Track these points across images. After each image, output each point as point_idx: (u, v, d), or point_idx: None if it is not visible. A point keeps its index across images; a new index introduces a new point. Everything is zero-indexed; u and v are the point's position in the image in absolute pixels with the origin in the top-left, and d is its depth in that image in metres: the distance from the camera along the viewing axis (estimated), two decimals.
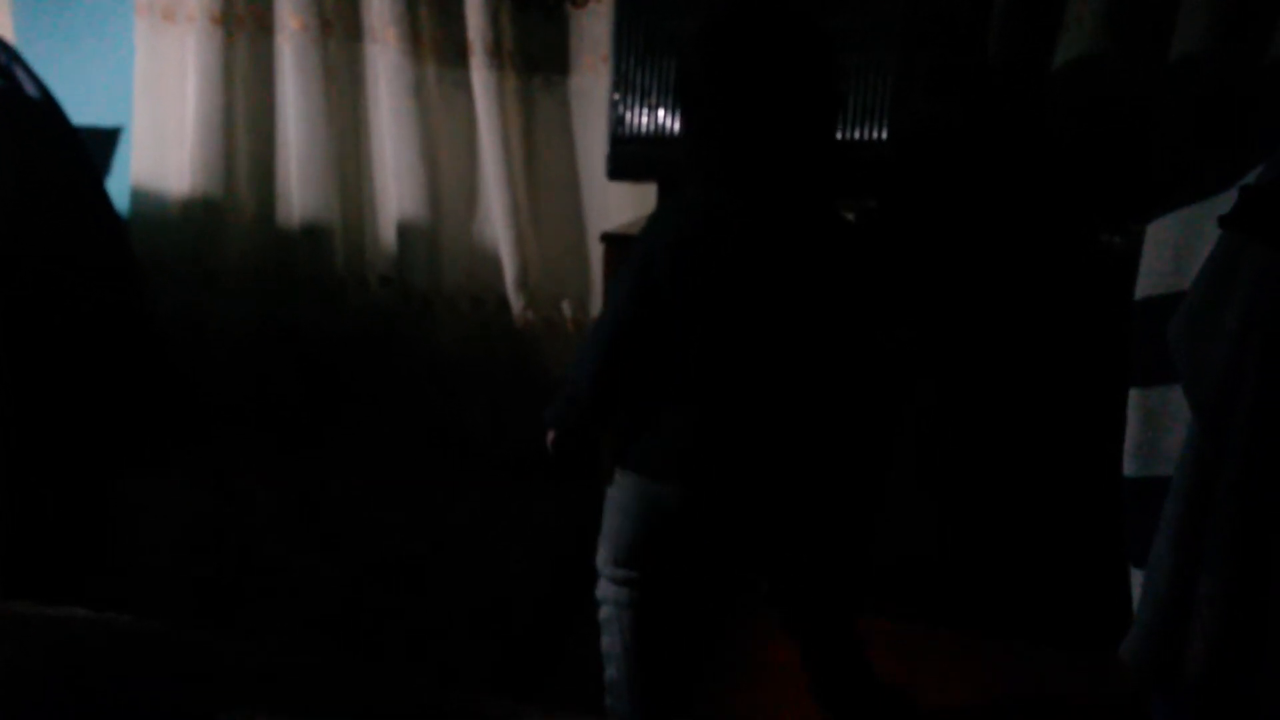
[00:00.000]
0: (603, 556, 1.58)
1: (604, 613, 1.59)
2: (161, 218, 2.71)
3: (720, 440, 1.47)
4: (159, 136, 2.70)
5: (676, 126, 2.04)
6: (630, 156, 2.10)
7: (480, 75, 2.54)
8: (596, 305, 2.48)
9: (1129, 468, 1.39)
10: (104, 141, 2.74)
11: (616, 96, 2.09)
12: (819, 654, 1.70)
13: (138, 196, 2.72)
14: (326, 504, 2.43)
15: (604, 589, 1.59)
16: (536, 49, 2.58)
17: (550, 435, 1.54)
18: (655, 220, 1.50)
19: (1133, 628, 1.29)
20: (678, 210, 1.50)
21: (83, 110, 2.65)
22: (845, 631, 1.68)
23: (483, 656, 1.93)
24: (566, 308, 2.66)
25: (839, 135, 1.90)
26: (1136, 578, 1.36)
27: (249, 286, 2.73)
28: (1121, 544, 1.40)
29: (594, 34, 2.52)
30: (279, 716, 0.80)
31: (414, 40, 2.57)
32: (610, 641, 1.58)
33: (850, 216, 1.99)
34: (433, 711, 0.87)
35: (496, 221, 2.60)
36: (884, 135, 1.94)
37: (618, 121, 2.10)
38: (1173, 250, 1.32)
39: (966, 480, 1.96)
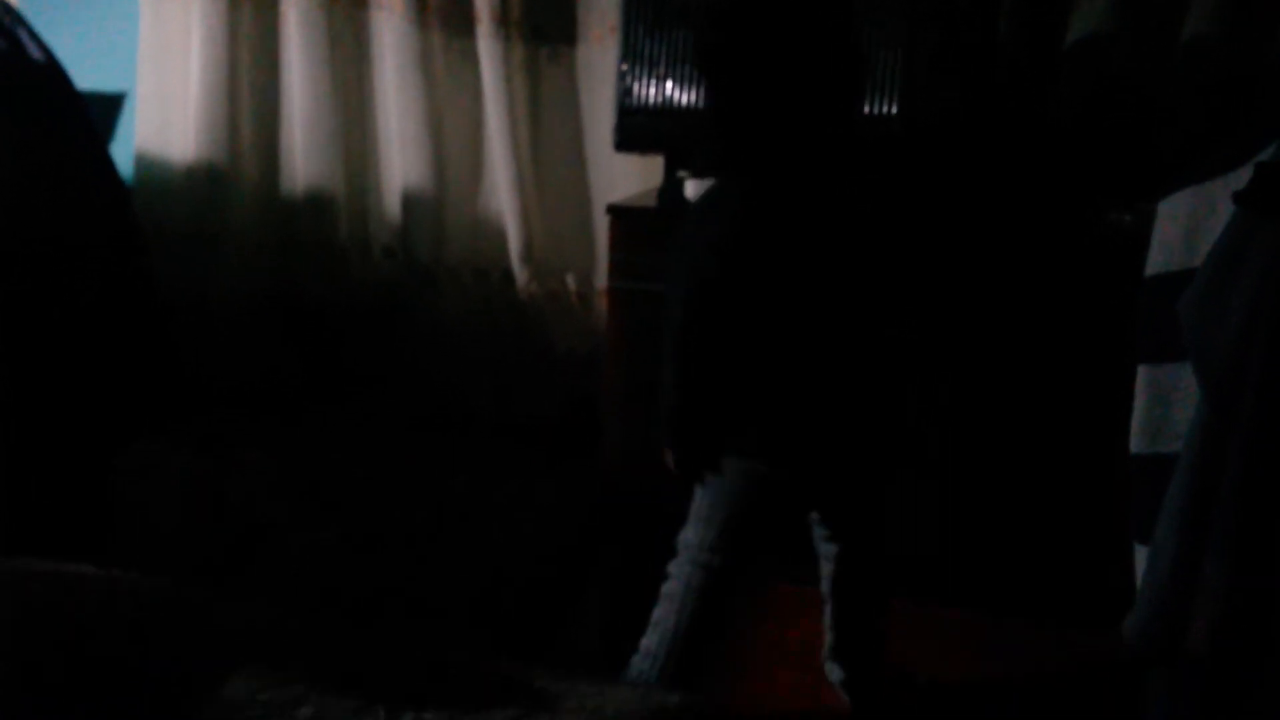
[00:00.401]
0: (694, 538, 1.59)
1: (671, 587, 1.60)
2: (165, 184, 2.70)
3: (794, 417, 1.51)
4: (163, 102, 2.69)
5: (688, 100, 2.03)
6: (638, 128, 2.09)
7: (487, 45, 2.52)
8: (602, 277, 2.47)
9: (1136, 445, 1.38)
10: (108, 106, 2.73)
11: (625, 67, 2.08)
12: (849, 618, 1.72)
13: (142, 162, 2.71)
14: (328, 475, 2.43)
15: (683, 568, 1.60)
16: (544, 19, 2.56)
17: (668, 455, 1.56)
18: (697, 219, 1.51)
19: (1136, 605, 1.29)
20: (716, 206, 1.50)
21: (87, 74, 2.63)
22: (882, 599, 1.72)
23: (483, 627, 1.94)
24: (571, 280, 2.65)
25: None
26: (1141, 555, 1.36)
27: (252, 254, 2.72)
28: (1126, 522, 1.40)
29: (602, 5, 2.50)
30: (283, 674, 0.81)
31: (420, 8, 2.55)
32: (665, 614, 1.59)
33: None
34: (445, 675, 0.87)
35: (502, 193, 2.59)
36: (894, 110, 1.94)
37: (625, 93, 2.09)
38: (1184, 227, 1.32)
39: (974, 457, 1.96)
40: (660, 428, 1.55)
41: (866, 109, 1.93)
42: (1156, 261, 1.36)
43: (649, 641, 1.61)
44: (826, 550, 1.69)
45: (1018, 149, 1.99)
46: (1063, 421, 1.87)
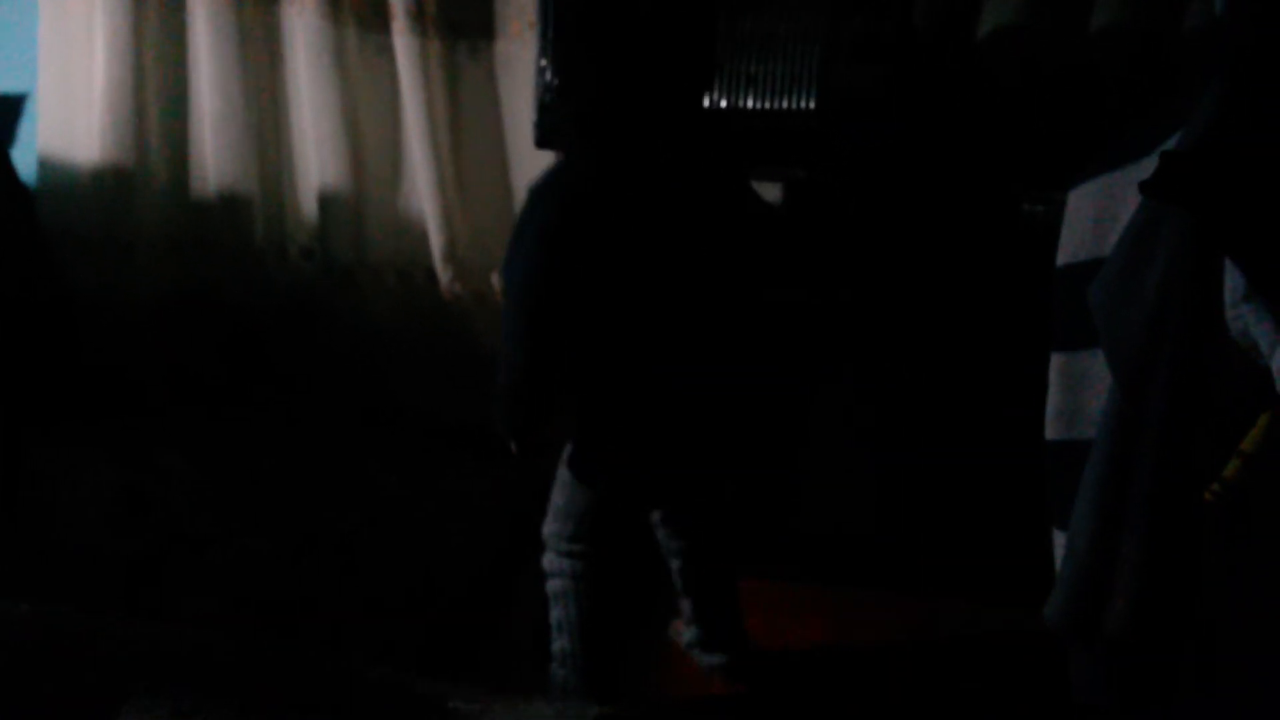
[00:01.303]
0: (553, 529, 1.59)
1: (555, 585, 1.61)
2: (71, 186, 2.60)
3: (642, 409, 1.50)
4: (66, 103, 2.59)
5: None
6: (558, 124, 2.07)
7: (403, 40, 2.47)
8: None
9: (1051, 431, 1.41)
10: (8, 109, 2.62)
11: (544, 62, 2.06)
12: (708, 608, 1.76)
13: (45, 165, 2.61)
14: (251, 479, 2.37)
15: (553, 562, 1.60)
16: (461, 14, 2.52)
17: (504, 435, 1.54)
18: (530, 204, 1.50)
19: (1055, 588, 1.32)
20: (550, 190, 1.49)
21: None
22: (732, 585, 1.76)
23: (415, 632, 1.91)
24: (496, 280, 2.62)
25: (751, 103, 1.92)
26: (1059, 540, 1.38)
27: (164, 257, 2.64)
28: (1044, 507, 1.42)
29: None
30: (190, 704, 0.77)
31: (333, 3, 2.49)
32: (561, 613, 1.60)
33: (780, 186, 2.00)
34: (359, 694, 0.85)
35: (422, 192, 2.55)
36: (812, 104, 1.94)
37: (545, 88, 2.07)
38: (1093, 217, 1.34)
39: (893, 445, 1.98)
40: (496, 407, 1.53)
41: (784, 103, 1.94)
42: (1066, 251, 1.39)
43: (559, 645, 1.62)
44: (673, 547, 1.72)
45: (934, 141, 2.01)
46: (983, 409, 1.90)
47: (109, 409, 2.42)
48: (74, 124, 2.59)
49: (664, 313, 1.47)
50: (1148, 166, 1.16)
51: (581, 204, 1.43)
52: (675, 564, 1.74)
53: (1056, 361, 1.42)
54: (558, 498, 1.61)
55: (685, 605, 1.78)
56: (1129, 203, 1.24)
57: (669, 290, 1.47)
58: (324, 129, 2.53)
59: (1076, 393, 1.39)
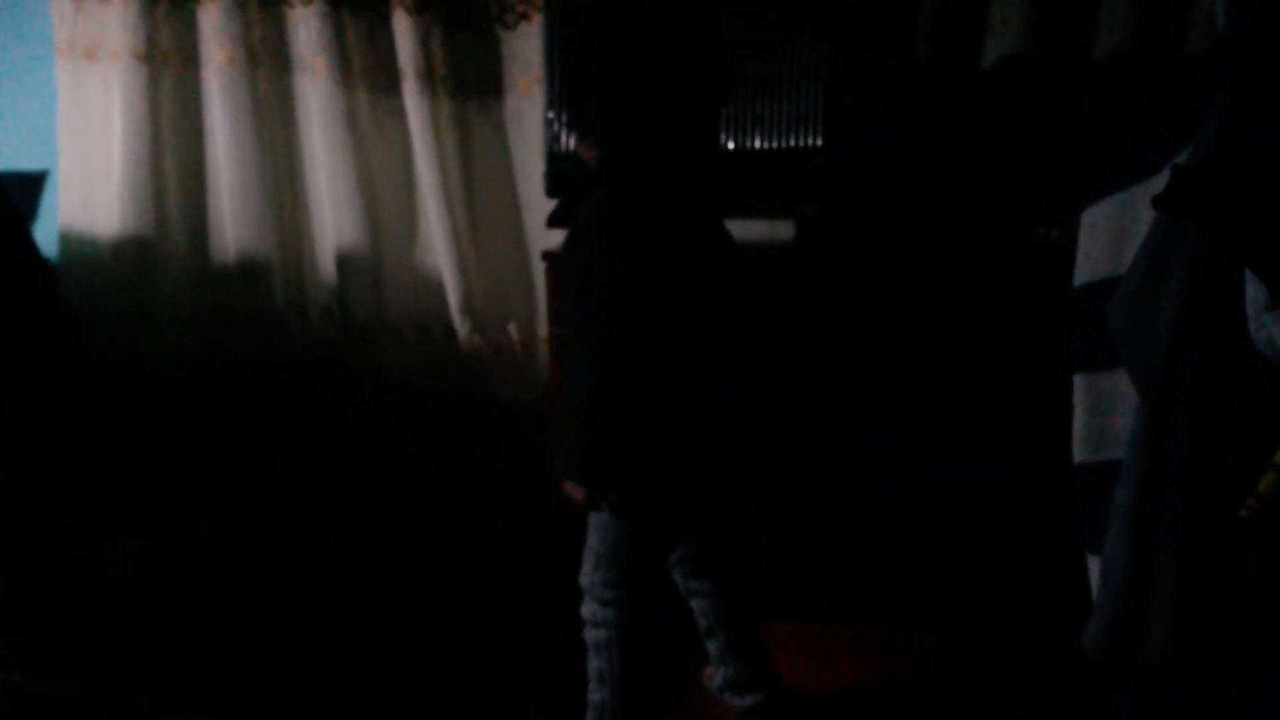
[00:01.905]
0: (595, 578, 1.57)
1: (598, 635, 1.58)
2: (92, 259, 2.64)
3: (689, 445, 1.50)
4: (86, 177, 2.64)
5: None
6: (568, 173, 2.09)
7: (413, 101, 2.52)
8: (543, 325, 2.46)
9: (1079, 454, 1.39)
10: (29, 185, 2.67)
11: (551, 114, 2.09)
12: (737, 646, 1.73)
13: (66, 239, 2.65)
14: (274, 540, 2.37)
15: (596, 612, 1.57)
16: (469, 73, 2.56)
17: (575, 488, 1.51)
18: (599, 229, 1.49)
19: (1092, 616, 1.29)
20: (616, 213, 1.48)
21: (5, 154, 2.59)
22: (754, 625, 1.74)
23: (441, 686, 1.89)
24: (513, 329, 2.63)
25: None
26: (1093, 565, 1.35)
27: (185, 324, 2.66)
28: (1077, 532, 1.40)
29: (526, 55, 2.50)
30: None
31: (344, 69, 2.54)
32: (603, 664, 1.57)
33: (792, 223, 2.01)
34: None
35: (438, 247, 2.57)
36: (819, 141, 1.95)
37: (554, 139, 2.09)
38: (1108, 235, 1.33)
39: (918, 477, 1.96)
40: (571, 458, 1.50)
41: (792, 141, 1.95)
42: (1083, 271, 1.38)
43: (599, 697, 1.59)
44: (696, 587, 1.70)
45: (943, 170, 2.02)
46: (1008, 435, 1.88)
47: (131, 476, 2.43)
48: (94, 198, 2.64)
49: (697, 336, 1.48)
50: (1159, 182, 1.15)
51: (642, 230, 1.44)
52: (700, 604, 1.72)
53: (1080, 383, 1.40)
54: (597, 544, 1.57)
55: (713, 648, 1.75)
56: (1143, 219, 1.23)
57: (700, 313, 1.48)
58: (339, 191, 2.56)
59: (1102, 414, 1.37)
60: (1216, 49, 1.18)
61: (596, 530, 1.57)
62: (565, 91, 1.46)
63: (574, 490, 1.51)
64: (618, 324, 1.42)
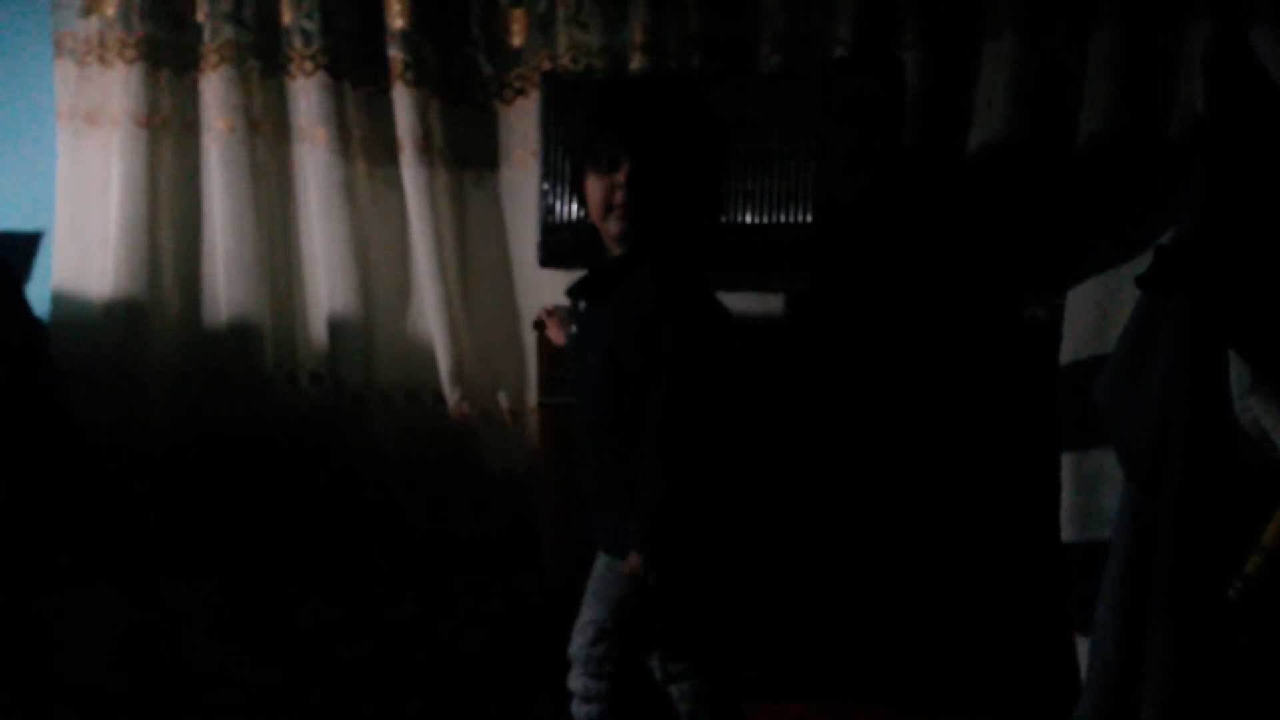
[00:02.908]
0: (595, 652, 1.52)
1: (590, 710, 1.53)
2: (85, 321, 2.64)
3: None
4: (82, 240, 2.65)
5: None
6: (561, 244, 2.11)
7: (411, 172, 2.55)
8: (533, 395, 2.46)
9: (1067, 533, 1.39)
10: (25, 246, 2.68)
11: (546, 187, 2.12)
12: None
13: (59, 301, 2.66)
14: (261, 610, 2.33)
15: (589, 685, 1.53)
16: (466, 145, 2.60)
17: (649, 566, 1.45)
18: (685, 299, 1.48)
19: (1082, 698, 1.27)
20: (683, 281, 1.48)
21: (3, 215, 2.61)
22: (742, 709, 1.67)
23: None
24: (503, 398, 2.63)
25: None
26: (1083, 645, 1.34)
27: (174, 388, 2.65)
28: (1065, 612, 1.39)
29: (523, 129, 2.54)
30: None
31: (343, 139, 2.57)
32: None
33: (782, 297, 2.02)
34: None
35: (430, 315, 2.58)
36: (809, 218, 1.98)
37: (548, 211, 2.12)
38: (1094, 314, 1.35)
39: (909, 558, 1.94)
40: (649, 531, 1.43)
41: (782, 217, 1.99)
42: (1070, 349, 1.39)
43: None
44: (680, 669, 1.59)
45: (931, 248, 2.04)
46: (997, 514, 1.87)
47: (116, 543, 2.40)
48: (88, 260, 2.65)
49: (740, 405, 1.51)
50: (1144, 262, 1.17)
51: (708, 302, 1.48)
52: (683, 688, 1.65)
53: (1068, 462, 1.40)
54: (604, 618, 1.52)
55: None
56: (1128, 298, 1.24)
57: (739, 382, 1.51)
58: (334, 258, 2.58)
59: (1091, 492, 1.37)
60: (1196, 132, 1.21)
61: (606, 604, 1.52)
62: (634, 165, 1.44)
63: (639, 563, 1.45)
64: (692, 398, 1.41)
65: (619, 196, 1.46)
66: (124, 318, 2.62)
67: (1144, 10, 2.06)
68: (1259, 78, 1.06)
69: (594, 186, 1.49)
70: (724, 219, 1.74)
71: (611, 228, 1.49)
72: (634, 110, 1.49)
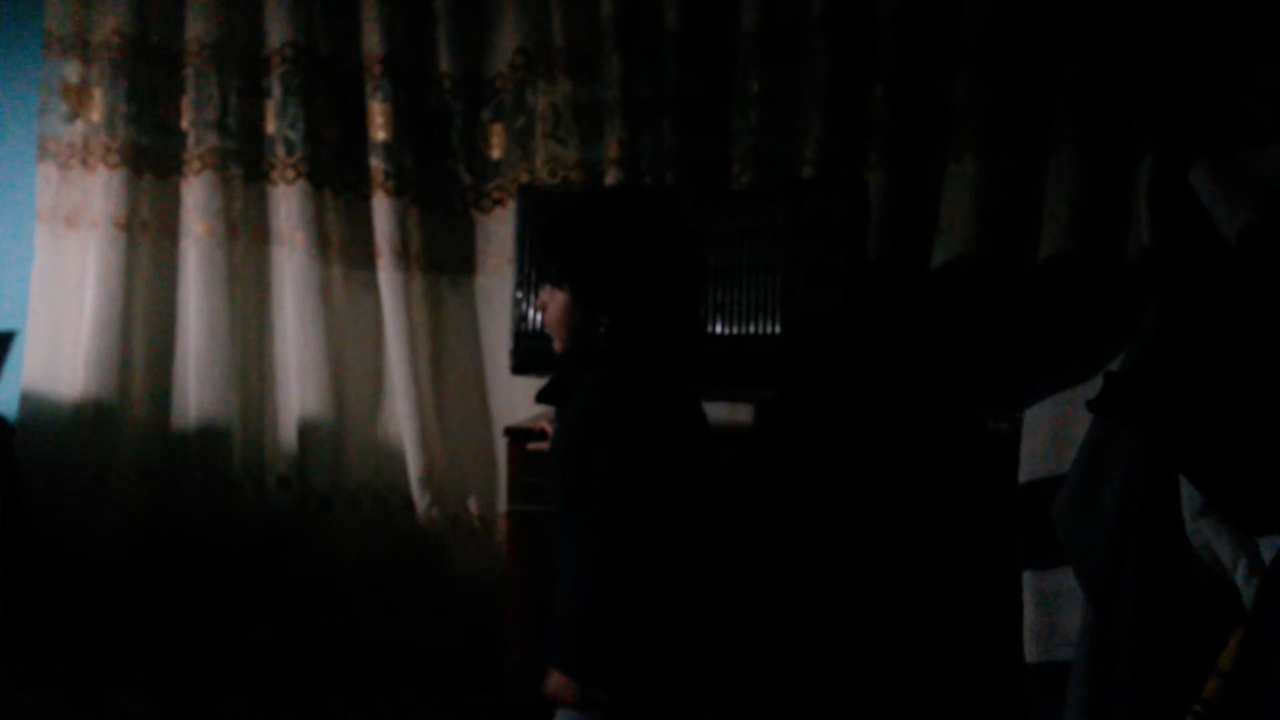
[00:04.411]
0: None
1: None
2: (52, 420, 2.63)
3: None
4: (53, 338, 2.65)
5: None
6: (533, 352, 2.13)
7: (387, 276, 2.58)
8: (503, 500, 2.44)
9: (1030, 653, 1.38)
10: None
11: (519, 295, 2.14)
12: None
13: (28, 399, 2.64)
14: (205, 717, 2.26)
15: None
16: (443, 251, 2.64)
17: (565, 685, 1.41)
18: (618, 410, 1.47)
19: None
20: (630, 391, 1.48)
21: None
22: None
23: None
24: (473, 504, 2.61)
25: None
26: None
27: (136, 488, 2.63)
28: None
29: (500, 236, 2.59)
30: None
31: (322, 243, 2.61)
32: None
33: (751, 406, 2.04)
34: None
35: (402, 419, 2.58)
36: (777, 329, 2.02)
37: (521, 318, 2.15)
38: (1049, 435, 1.37)
39: (869, 668, 1.92)
40: (564, 651, 1.40)
41: (751, 328, 2.02)
42: (1027, 469, 1.41)
43: None
44: None
45: (895, 362, 2.07)
46: (957, 630, 1.86)
47: (66, 644, 2.33)
48: (60, 360, 2.65)
49: (687, 525, 1.46)
50: (1096, 386, 1.19)
51: (644, 422, 1.44)
52: None
53: (1029, 580, 1.41)
54: None
55: None
56: (1082, 420, 1.27)
57: (690, 500, 1.47)
58: (307, 359, 2.59)
59: (1052, 612, 1.37)
60: (1145, 260, 1.25)
61: None
62: (573, 274, 1.45)
63: (561, 687, 1.41)
64: (615, 515, 1.38)
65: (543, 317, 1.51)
66: (92, 417, 2.61)
67: (1102, 137, 2.14)
68: (1197, 214, 1.10)
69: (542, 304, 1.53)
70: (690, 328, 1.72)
71: (554, 344, 1.52)
72: (557, 236, 1.52)
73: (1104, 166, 2.14)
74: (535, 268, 1.54)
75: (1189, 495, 1.11)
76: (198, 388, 2.61)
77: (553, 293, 1.49)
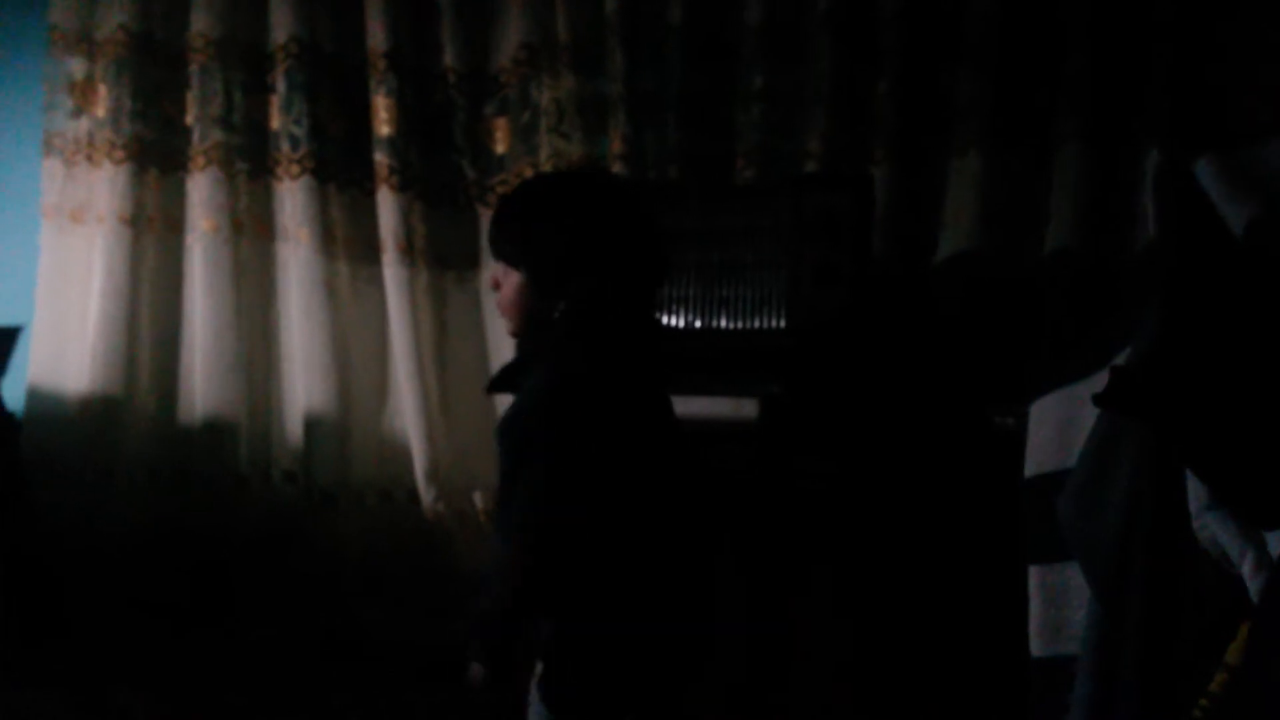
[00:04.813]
0: None
1: None
2: (58, 416, 2.63)
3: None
4: (59, 334, 2.66)
5: None
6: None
7: (392, 271, 2.59)
8: None
9: (1035, 648, 1.38)
10: (2, 340, 2.68)
11: None
12: None
13: (34, 394, 2.65)
14: (209, 715, 2.26)
15: None
16: (448, 246, 2.65)
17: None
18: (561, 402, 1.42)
19: None
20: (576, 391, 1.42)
21: None
22: None
23: None
24: (478, 499, 2.61)
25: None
26: None
27: (144, 484, 2.63)
28: None
29: None
30: None
31: (327, 238, 2.62)
32: None
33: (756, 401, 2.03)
34: None
35: (407, 413, 2.59)
36: (782, 323, 2.02)
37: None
38: (1055, 428, 1.37)
39: (874, 670, 1.92)
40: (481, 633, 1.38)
41: (756, 322, 2.02)
42: (1033, 463, 1.41)
43: None
44: None
45: (901, 357, 2.07)
46: (963, 626, 1.86)
47: (67, 642, 2.33)
48: (66, 355, 2.66)
49: (638, 518, 1.40)
50: (1102, 379, 1.19)
51: (589, 418, 1.38)
52: None
53: (1035, 575, 1.41)
54: None
55: None
56: (1088, 414, 1.26)
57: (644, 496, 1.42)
58: (313, 354, 2.59)
59: (1058, 607, 1.37)
60: (1149, 255, 1.25)
61: None
62: (530, 256, 1.42)
63: (477, 677, 1.39)
64: (548, 513, 1.34)
65: (496, 297, 1.48)
66: (98, 413, 2.61)
67: (1105, 134, 2.13)
68: (1203, 206, 1.10)
69: None
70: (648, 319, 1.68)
71: (506, 325, 1.49)
72: (515, 214, 1.47)
73: (1108, 162, 2.13)
74: (490, 245, 1.50)
75: (1195, 489, 1.11)
76: (204, 383, 2.62)
77: (507, 272, 1.45)
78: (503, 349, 2.57)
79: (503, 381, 1.57)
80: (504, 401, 2.53)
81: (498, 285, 1.48)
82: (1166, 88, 2.07)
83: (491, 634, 1.38)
